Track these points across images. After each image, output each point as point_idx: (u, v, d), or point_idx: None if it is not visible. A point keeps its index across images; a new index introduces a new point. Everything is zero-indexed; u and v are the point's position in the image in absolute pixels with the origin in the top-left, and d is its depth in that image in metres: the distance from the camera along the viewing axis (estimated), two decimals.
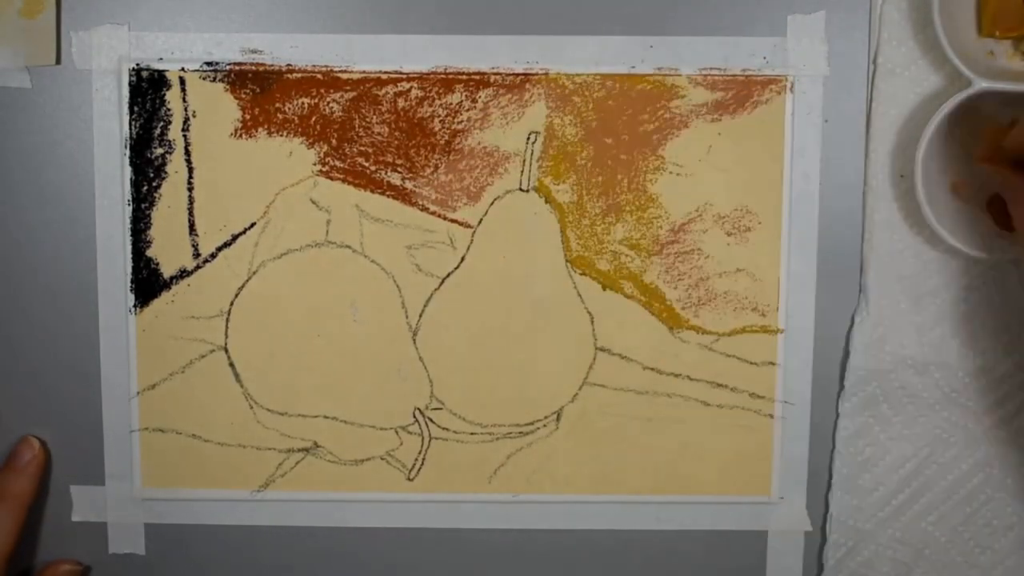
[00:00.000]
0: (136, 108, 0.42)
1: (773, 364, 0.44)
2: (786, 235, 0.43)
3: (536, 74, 0.42)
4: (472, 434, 0.44)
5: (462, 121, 0.42)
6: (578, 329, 0.43)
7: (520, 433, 0.44)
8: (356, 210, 0.43)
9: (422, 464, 0.44)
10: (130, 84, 0.42)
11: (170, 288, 0.43)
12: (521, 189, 0.43)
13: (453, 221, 0.43)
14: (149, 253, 0.43)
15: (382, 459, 0.44)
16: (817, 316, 0.44)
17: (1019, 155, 0.41)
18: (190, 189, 0.43)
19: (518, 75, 0.42)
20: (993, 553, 0.45)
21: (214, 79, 0.42)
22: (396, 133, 0.43)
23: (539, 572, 0.45)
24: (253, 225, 0.43)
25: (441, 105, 0.42)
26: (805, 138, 0.43)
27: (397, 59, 0.42)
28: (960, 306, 0.43)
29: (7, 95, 0.43)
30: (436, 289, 0.43)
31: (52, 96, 0.43)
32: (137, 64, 0.42)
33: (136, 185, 0.43)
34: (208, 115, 0.42)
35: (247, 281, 0.43)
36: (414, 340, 0.44)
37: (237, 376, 0.44)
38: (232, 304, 0.43)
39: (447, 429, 0.44)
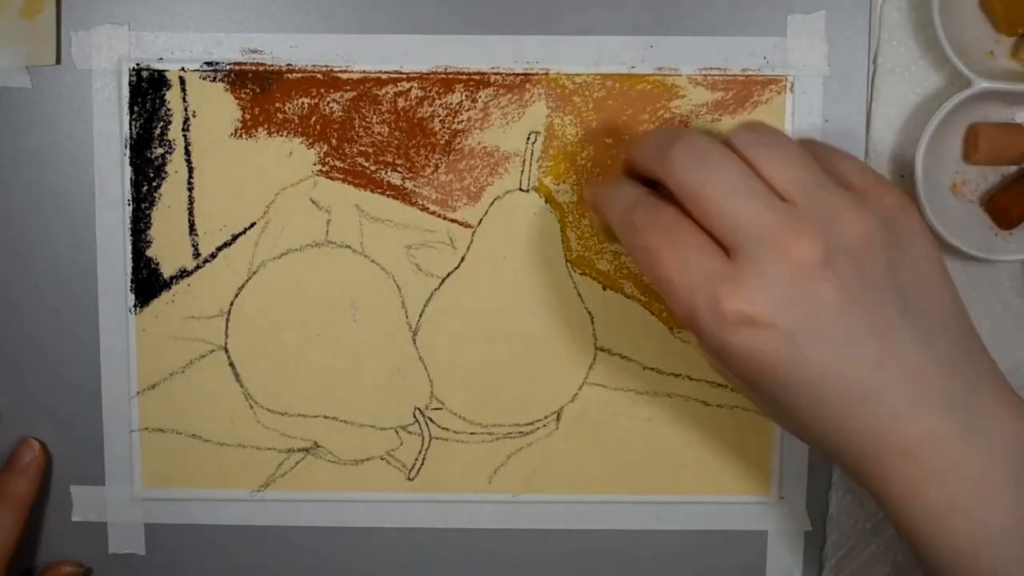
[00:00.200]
0: (136, 108, 0.42)
1: None
2: None
3: (536, 74, 0.42)
4: (472, 434, 0.44)
5: (462, 121, 0.43)
6: (578, 329, 0.43)
7: (520, 433, 0.44)
8: (356, 210, 0.43)
9: (422, 464, 0.44)
10: (130, 84, 0.42)
11: (170, 288, 0.43)
12: (521, 189, 0.43)
13: (453, 221, 0.43)
14: (149, 253, 0.43)
15: (382, 459, 0.44)
16: None
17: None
18: (190, 189, 0.43)
19: (518, 75, 0.42)
20: None
21: (214, 79, 0.42)
22: (396, 133, 0.43)
23: (539, 572, 0.45)
24: (253, 225, 0.43)
25: (441, 105, 0.42)
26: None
27: (397, 59, 0.42)
28: None
29: (7, 95, 0.43)
30: (436, 289, 0.43)
31: (52, 96, 0.43)
32: (137, 64, 0.42)
33: (136, 185, 0.43)
34: (208, 115, 0.42)
35: (247, 281, 0.43)
36: (414, 340, 0.44)
37: (237, 376, 0.44)
38: (232, 304, 0.43)
39: (447, 429, 0.44)
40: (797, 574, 0.45)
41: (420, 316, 0.43)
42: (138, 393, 0.44)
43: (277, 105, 0.42)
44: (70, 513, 0.45)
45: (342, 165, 0.43)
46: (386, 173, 0.43)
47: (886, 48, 0.42)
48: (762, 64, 0.42)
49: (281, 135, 0.42)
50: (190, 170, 0.43)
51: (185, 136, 0.43)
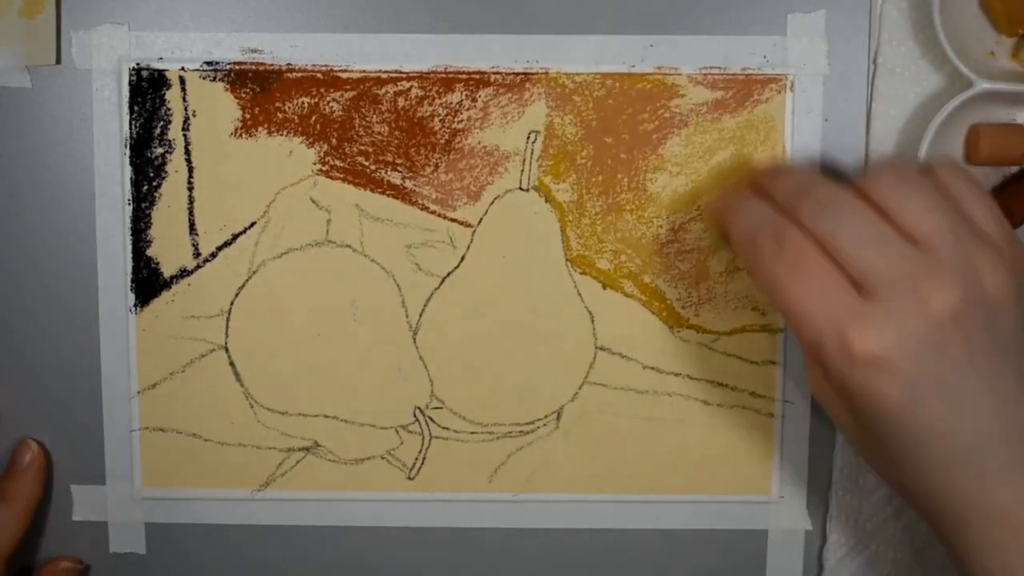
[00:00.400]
0: (136, 108, 0.42)
1: (773, 363, 0.44)
2: None
3: (536, 73, 0.42)
4: (472, 433, 0.44)
5: (462, 120, 0.42)
6: (578, 328, 0.43)
7: (520, 432, 0.44)
8: (356, 209, 0.43)
9: (422, 463, 0.44)
10: (130, 84, 0.42)
11: (170, 288, 0.43)
12: (521, 188, 0.43)
13: (453, 220, 0.43)
14: (149, 253, 0.43)
15: (382, 458, 0.44)
16: None
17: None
18: (190, 189, 0.43)
19: (518, 74, 0.42)
20: None
21: (214, 79, 0.42)
22: (396, 132, 0.43)
23: (539, 572, 0.45)
24: (253, 224, 0.43)
25: (441, 104, 0.42)
26: (805, 137, 0.43)
27: (397, 58, 0.42)
28: None
29: (7, 95, 0.43)
30: (436, 289, 0.43)
31: (52, 96, 0.43)
32: (137, 64, 0.42)
33: (136, 185, 0.43)
34: (208, 115, 0.42)
35: (247, 281, 0.43)
36: (414, 340, 0.44)
37: (237, 376, 0.44)
38: (232, 304, 0.43)
39: (447, 428, 0.44)
40: (797, 574, 0.45)
41: (420, 316, 0.43)
42: (138, 393, 0.44)
43: (277, 105, 0.42)
44: (70, 513, 0.45)
45: (342, 165, 0.43)
46: (386, 173, 0.43)
47: (886, 48, 0.42)
48: (762, 63, 0.42)
49: (281, 135, 0.43)
50: (190, 170, 0.43)
51: (185, 136, 0.43)
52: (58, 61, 0.42)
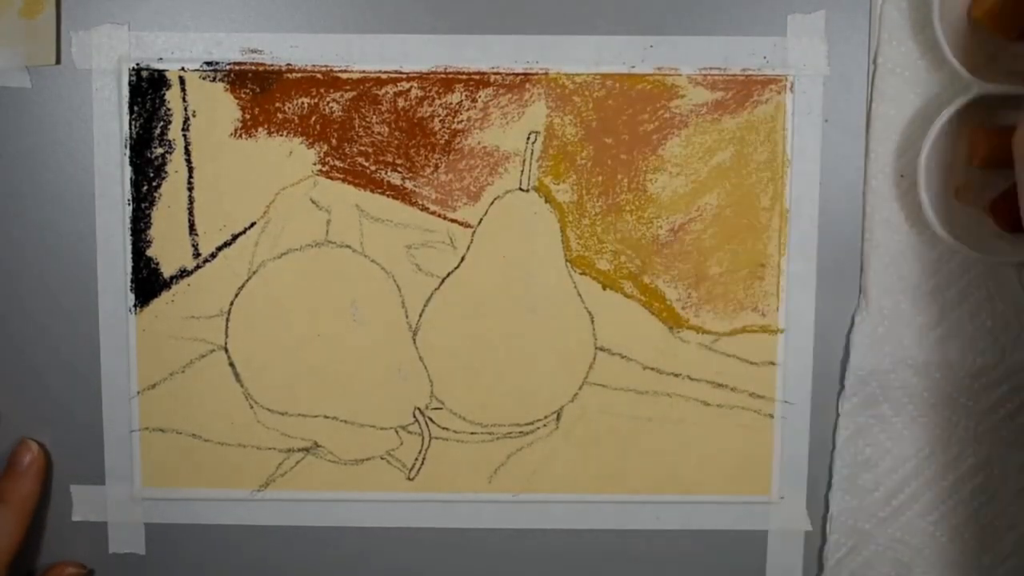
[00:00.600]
0: (136, 108, 0.42)
1: (773, 364, 0.44)
2: (786, 235, 0.43)
3: (536, 74, 0.42)
4: (472, 434, 0.44)
5: (462, 121, 0.42)
6: (578, 329, 0.43)
7: (520, 433, 0.44)
8: (356, 210, 0.43)
9: (422, 464, 0.44)
10: (130, 84, 0.42)
11: (170, 288, 0.43)
12: (521, 189, 0.43)
13: (453, 221, 0.43)
14: (149, 253, 0.43)
15: (382, 459, 0.44)
16: (817, 316, 0.44)
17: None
18: (190, 189, 0.43)
19: (518, 75, 0.42)
20: (994, 554, 0.45)
21: (214, 79, 0.42)
22: (396, 133, 0.43)
23: (539, 572, 0.45)
24: (253, 225, 0.43)
25: (441, 105, 0.42)
26: (805, 138, 0.43)
27: (397, 59, 0.42)
28: (960, 306, 0.43)
29: (7, 95, 0.43)
30: (436, 289, 0.43)
31: (52, 96, 0.43)
32: (137, 64, 0.42)
33: (136, 185, 0.43)
34: (208, 115, 0.42)
35: (247, 281, 0.43)
36: (414, 340, 0.44)
37: (237, 376, 0.44)
38: (232, 304, 0.43)
39: (447, 429, 0.44)
40: (797, 574, 0.45)
41: (420, 316, 0.43)
42: (138, 393, 0.44)
43: (277, 105, 0.42)
44: (70, 513, 0.45)
45: (342, 165, 0.43)
46: (386, 173, 0.43)
47: (886, 48, 0.42)
48: (762, 64, 0.42)
49: (281, 135, 0.43)
50: (190, 170, 0.43)
51: (185, 136, 0.43)
52: (58, 61, 0.42)
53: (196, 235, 0.43)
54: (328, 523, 0.45)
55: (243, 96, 0.42)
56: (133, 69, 0.42)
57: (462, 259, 0.43)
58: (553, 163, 0.43)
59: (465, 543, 0.45)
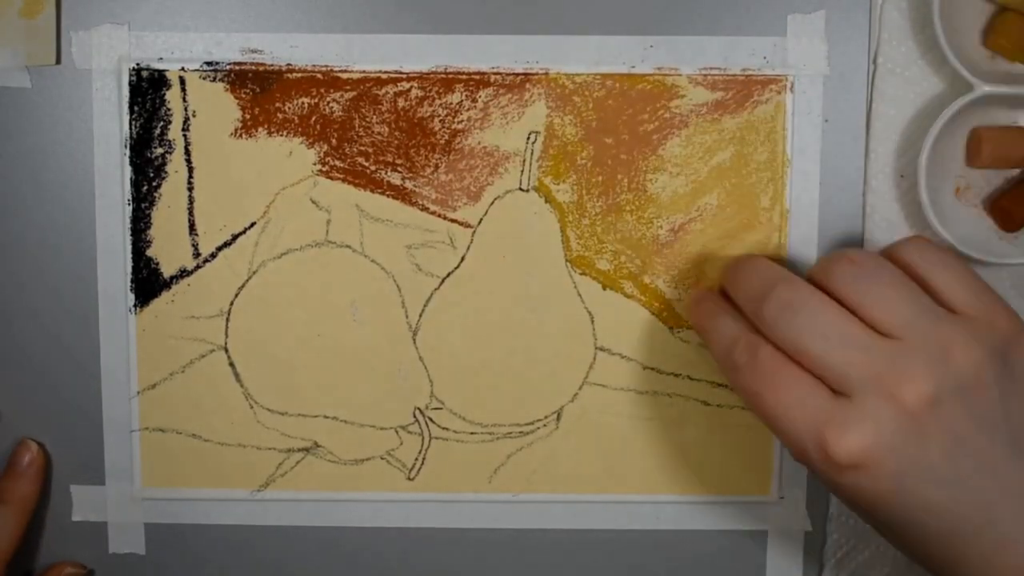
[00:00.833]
0: (136, 108, 0.42)
1: None
2: (786, 235, 0.43)
3: (536, 74, 0.42)
4: (472, 434, 0.44)
5: (462, 121, 0.42)
6: (578, 329, 0.43)
7: (520, 433, 0.44)
8: (356, 210, 0.43)
9: (422, 464, 0.44)
10: (130, 84, 0.42)
11: (170, 288, 0.43)
12: (521, 189, 0.43)
13: (453, 221, 0.43)
14: (149, 253, 0.43)
15: (382, 459, 0.44)
16: None
17: None
18: (190, 189, 0.43)
19: (518, 75, 0.42)
20: None
21: (214, 79, 0.42)
22: (396, 133, 0.43)
23: (539, 572, 0.45)
24: (253, 225, 0.43)
25: (441, 105, 0.42)
26: (805, 138, 0.43)
27: (397, 59, 0.42)
28: None
29: (7, 95, 0.43)
30: (436, 289, 0.43)
31: (52, 96, 0.43)
32: (137, 64, 0.42)
33: (136, 185, 0.43)
34: (208, 115, 0.42)
35: (247, 281, 0.43)
36: (414, 340, 0.44)
37: (237, 376, 0.44)
38: (232, 304, 0.43)
39: (447, 429, 0.44)
40: (797, 574, 0.45)
41: (420, 316, 0.43)
42: (138, 393, 0.44)
43: (277, 105, 0.42)
44: (70, 513, 0.45)
45: (342, 165, 0.43)
46: (386, 173, 0.43)
47: (886, 48, 0.42)
48: (762, 64, 0.42)
49: (281, 135, 0.42)
50: (190, 170, 0.43)
51: (185, 136, 0.43)
52: (58, 61, 0.42)
53: (196, 235, 0.43)
54: (328, 523, 0.45)
55: (243, 96, 0.42)
56: (133, 69, 0.42)
57: (462, 259, 0.43)
58: (553, 163, 0.43)
59: (465, 543, 0.45)
